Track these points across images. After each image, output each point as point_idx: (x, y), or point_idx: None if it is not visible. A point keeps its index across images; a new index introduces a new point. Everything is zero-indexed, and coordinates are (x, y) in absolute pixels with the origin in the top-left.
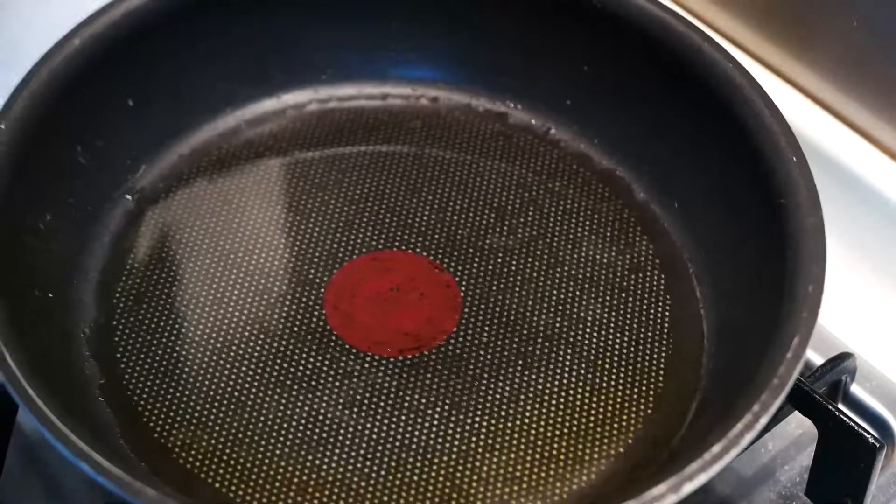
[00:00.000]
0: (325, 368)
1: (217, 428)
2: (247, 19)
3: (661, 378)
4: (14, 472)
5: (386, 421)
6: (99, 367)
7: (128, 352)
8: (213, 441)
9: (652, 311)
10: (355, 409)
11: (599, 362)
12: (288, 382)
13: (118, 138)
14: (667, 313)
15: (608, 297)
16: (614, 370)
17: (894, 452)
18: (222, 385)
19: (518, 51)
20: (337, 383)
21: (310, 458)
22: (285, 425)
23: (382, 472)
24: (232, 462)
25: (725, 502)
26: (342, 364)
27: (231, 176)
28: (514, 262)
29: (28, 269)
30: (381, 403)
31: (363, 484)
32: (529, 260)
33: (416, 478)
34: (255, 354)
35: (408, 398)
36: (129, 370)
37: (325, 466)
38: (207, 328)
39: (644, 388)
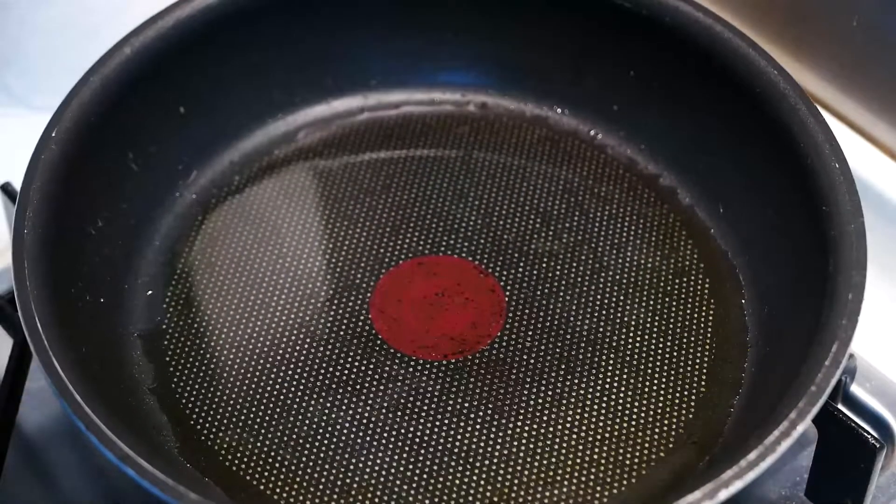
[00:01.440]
0: (369, 372)
1: (263, 431)
2: (299, 28)
3: (703, 382)
4: (14, 472)
5: (429, 425)
6: (149, 370)
7: (177, 355)
8: (258, 444)
9: (695, 315)
10: (399, 413)
11: (642, 366)
12: (333, 386)
13: (170, 144)
14: (710, 318)
15: (652, 302)
16: (657, 374)
17: (894, 452)
18: (269, 388)
19: (565, 57)
20: (381, 387)
21: (353, 461)
22: (329, 428)
23: (425, 476)
24: (277, 465)
25: (725, 502)
26: (386, 368)
27: (281, 181)
28: (558, 267)
29: (79, 273)
30: (425, 407)
31: (405, 487)
32: (574, 264)
33: (458, 481)
34: (301, 358)
35: (451, 402)
36: (178, 373)
37: (368, 469)
38: (255, 332)
39: (686, 393)
